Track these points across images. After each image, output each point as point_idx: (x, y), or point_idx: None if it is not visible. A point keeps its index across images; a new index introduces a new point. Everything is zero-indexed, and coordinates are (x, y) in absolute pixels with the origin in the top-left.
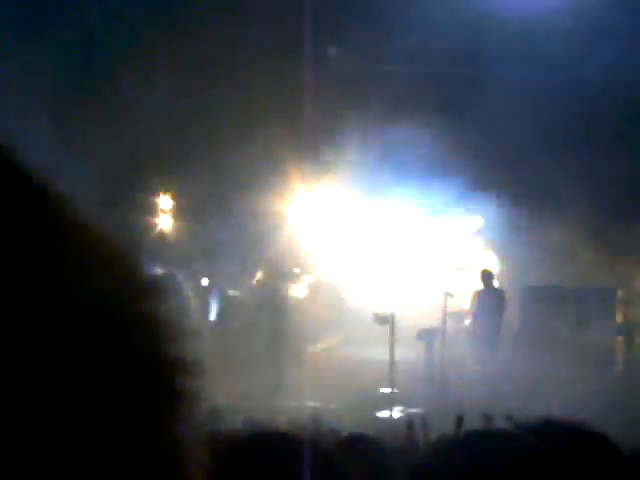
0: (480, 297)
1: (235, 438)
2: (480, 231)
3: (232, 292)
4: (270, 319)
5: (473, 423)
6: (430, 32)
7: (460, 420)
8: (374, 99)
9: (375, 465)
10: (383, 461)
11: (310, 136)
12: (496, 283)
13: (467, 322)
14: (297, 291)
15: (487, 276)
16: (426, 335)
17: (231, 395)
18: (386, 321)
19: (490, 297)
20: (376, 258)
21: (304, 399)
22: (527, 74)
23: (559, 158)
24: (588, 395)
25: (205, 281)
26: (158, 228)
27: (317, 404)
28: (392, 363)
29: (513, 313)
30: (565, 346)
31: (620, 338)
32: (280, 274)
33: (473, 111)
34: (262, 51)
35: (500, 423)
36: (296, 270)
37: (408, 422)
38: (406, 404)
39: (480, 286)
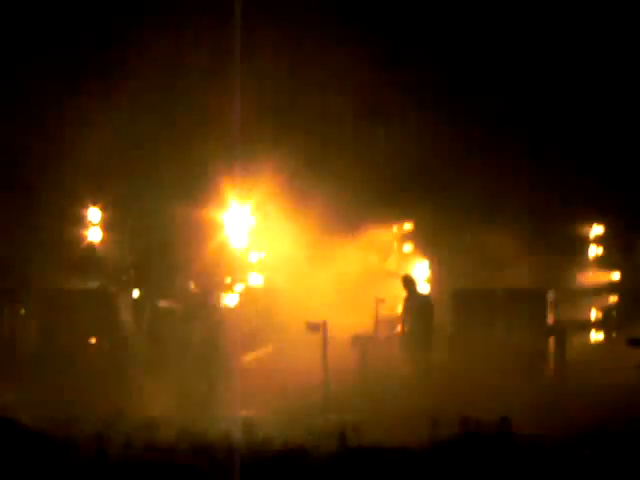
0: (407, 303)
1: (171, 452)
2: (410, 236)
3: (163, 303)
4: (201, 329)
5: (410, 427)
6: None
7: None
8: (300, 108)
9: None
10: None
11: (242, 145)
12: (424, 287)
13: (398, 328)
14: (229, 300)
15: (408, 282)
16: (360, 342)
17: (165, 407)
18: (318, 329)
19: (415, 303)
20: (307, 266)
21: (238, 409)
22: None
23: (488, 160)
24: (518, 394)
25: (136, 293)
26: (87, 240)
27: (251, 413)
28: (325, 370)
29: (446, 316)
30: (497, 348)
31: (551, 339)
32: (212, 284)
33: (398, 114)
34: (195, 61)
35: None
36: (227, 279)
37: (340, 430)
38: (340, 411)
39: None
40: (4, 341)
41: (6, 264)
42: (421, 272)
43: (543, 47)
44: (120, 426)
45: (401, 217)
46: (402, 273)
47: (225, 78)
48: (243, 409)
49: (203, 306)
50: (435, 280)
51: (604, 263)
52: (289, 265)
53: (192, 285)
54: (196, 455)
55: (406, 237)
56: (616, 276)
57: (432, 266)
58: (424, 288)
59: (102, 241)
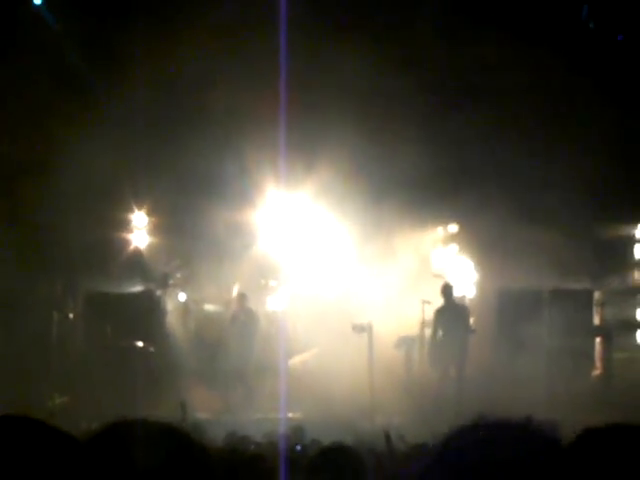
0: (441, 315)
1: (218, 454)
2: (455, 237)
3: (209, 307)
4: (247, 333)
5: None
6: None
7: (388, 437)
8: (350, 109)
9: (355, 475)
10: (362, 471)
11: (285, 146)
12: (469, 289)
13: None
14: (274, 304)
15: (447, 290)
16: (404, 343)
17: (211, 409)
18: (364, 330)
19: (454, 312)
20: (352, 268)
21: (285, 411)
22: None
23: (537, 158)
24: (566, 396)
25: (182, 296)
26: (133, 245)
27: (298, 415)
28: (371, 372)
29: (491, 316)
30: (543, 349)
31: (598, 339)
32: (256, 287)
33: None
34: (233, 61)
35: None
36: (272, 282)
37: (385, 432)
38: (386, 413)
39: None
40: (54, 346)
41: (53, 269)
42: (467, 273)
43: None
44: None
45: (446, 218)
46: (445, 277)
47: (267, 72)
48: (291, 411)
49: (249, 309)
50: (481, 281)
51: None
52: (334, 266)
53: (238, 288)
54: (245, 458)
55: (452, 238)
56: None
57: (478, 267)
58: (468, 290)
59: (148, 245)
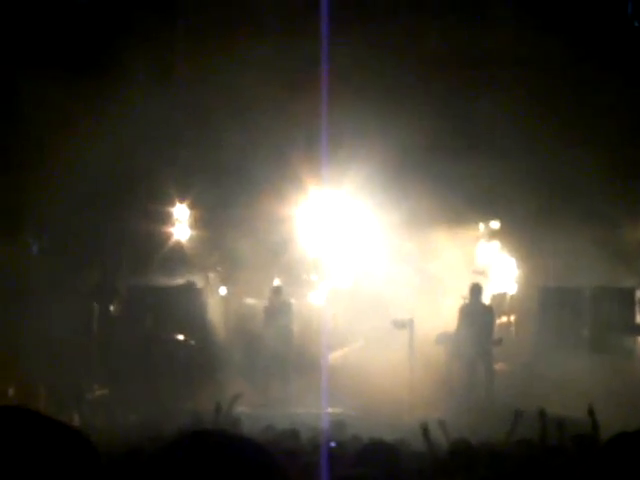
0: (467, 311)
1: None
2: (497, 233)
3: (250, 300)
4: (283, 326)
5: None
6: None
7: (426, 432)
8: (387, 104)
9: (393, 471)
10: (401, 467)
11: (323, 140)
12: (512, 286)
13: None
14: (315, 298)
15: (475, 290)
16: (445, 339)
17: (251, 403)
18: (405, 326)
19: (478, 312)
20: (394, 263)
21: (325, 406)
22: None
23: (578, 155)
24: (603, 395)
25: (223, 290)
26: (174, 238)
27: (339, 410)
28: (411, 368)
29: (532, 315)
30: (584, 347)
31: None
32: (297, 281)
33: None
34: (271, 54)
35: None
36: (313, 277)
37: (423, 428)
38: (426, 409)
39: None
40: (95, 338)
41: (97, 261)
42: (509, 270)
43: None
44: (206, 423)
45: (488, 215)
46: (486, 274)
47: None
48: (331, 406)
49: (289, 304)
50: (523, 278)
51: None
52: (375, 261)
53: (279, 282)
54: (285, 452)
55: (493, 235)
56: None
57: (520, 264)
58: (510, 287)
59: (190, 239)
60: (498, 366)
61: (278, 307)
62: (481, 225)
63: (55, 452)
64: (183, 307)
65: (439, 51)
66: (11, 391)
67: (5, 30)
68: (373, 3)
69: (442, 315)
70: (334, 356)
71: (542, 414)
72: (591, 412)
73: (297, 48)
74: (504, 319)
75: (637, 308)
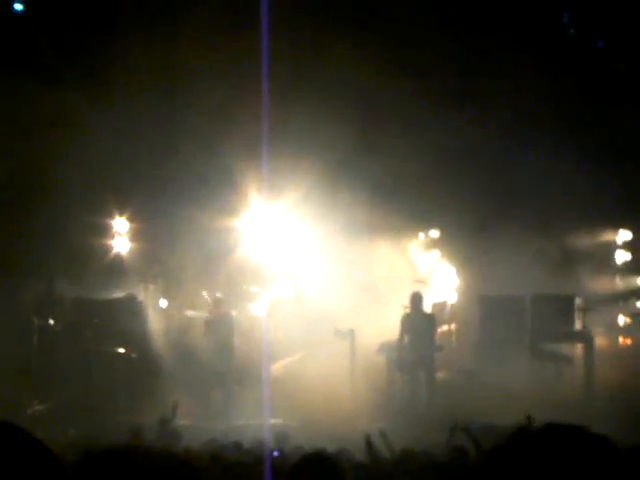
0: (409, 320)
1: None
2: (437, 243)
3: (190, 312)
4: (224, 337)
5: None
6: None
7: (369, 443)
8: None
9: None
10: (341, 477)
11: (264, 150)
12: (453, 295)
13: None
14: (255, 309)
15: (416, 299)
16: (386, 349)
17: (191, 416)
18: (346, 336)
19: (420, 320)
20: (335, 273)
21: (267, 417)
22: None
23: (518, 164)
24: (544, 400)
25: (163, 302)
26: (114, 250)
27: (280, 421)
28: (353, 378)
29: (473, 322)
30: (523, 354)
31: (580, 346)
32: (238, 293)
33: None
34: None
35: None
36: (254, 288)
37: (366, 438)
38: (368, 419)
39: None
40: (35, 352)
41: (33, 276)
42: (449, 279)
43: None
44: (145, 436)
45: (428, 224)
46: (426, 283)
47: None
48: (273, 417)
49: (228, 315)
50: (463, 286)
51: (633, 269)
52: (316, 271)
53: (218, 294)
54: (227, 464)
55: (433, 244)
56: None
57: (460, 273)
58: (450, 295)
59: (129, 251)
60: (440, 374)
61: (219, 319)
62: (421, 234)
63: (25, 469)
64: (123, 320)
65: (371, 59)
66: None
67: None
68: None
69: (383, 324)
70: (275, 367)
71: (463, 429)
72: (529, 419)
73: (239, 53)
74: (445, 328)
75: (575, 315)
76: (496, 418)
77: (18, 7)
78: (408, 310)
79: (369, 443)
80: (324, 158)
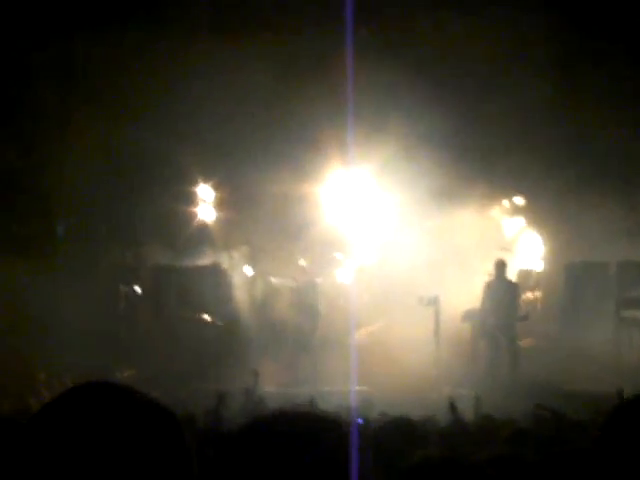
0: (492, 287)
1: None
2: (521, 210)
3: (275, 280)
4: (314, 306)
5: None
6: None
7: (453, 407)
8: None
9: (417, 447)
10: (424, 444)
11: (348, 117)
12: (539, 263)
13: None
14: (340, 276)
15: (500, 267)
16: (471, 316)
17: (278, 383)
18: (431, 303)
19: (502, 288)
20: (418, 240)
21: (352, 384)
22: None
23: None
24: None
25: (248, 269)
26: (199, 218)
27: (365, 388)
28: (438, 345)
29: (558, 290)
30: (609, 321)
31: None
32: (322, 260)
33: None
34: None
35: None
36: (338, 255)
37: (451, 404)
38: (452, 386)
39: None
40: (121, 318)
41: (122, 240)
42: (534, 246)
43: None
44: (230, 401)
45: (512, 191)
46: (511, 251)
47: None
48: (358, 385)
49: (313, 283)
50: (548, 254)
51: None
52: (401, 239)
53: (304, 262)
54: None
55: (518, 211)
56: None
57: (545, 240)
58: (536, 264)
59: (215, 219)
60: (524, 342)
61: (304, 286)
62: (505, 201)
63: (143, 430)
64: (208, 287)
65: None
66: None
67: None
68: None
69: (468, 292)
70: (360, 334)
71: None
72: (620, 394)
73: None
74: (530, 295)
75: None
76: (581, 385)
77: None
78: (492, 277)
79: (453, 408)
80: (407, 125)
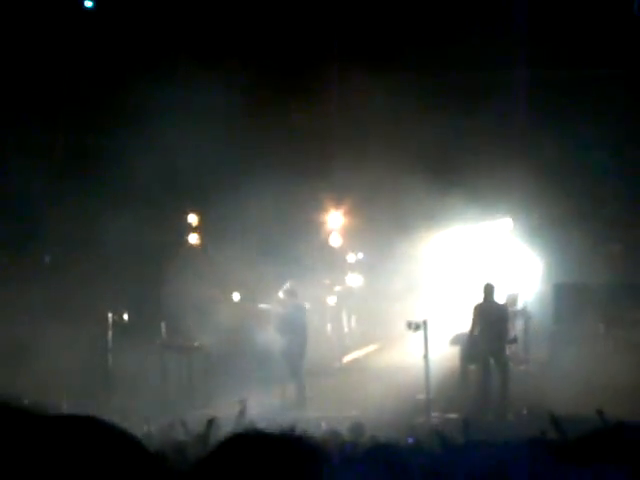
0: (481, 310)
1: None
2: (511, 233)
3: (263, 305)
4: (302, 330)
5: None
6: None
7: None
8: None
9: (403, 472)
10: (410, 469)
11: (340, 149)
12: (527, 285)
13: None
14: (329, 300)
15: (488, 290)
16: (460, 340)
17: (264, 407)
18: (419, 328)
19: (492, 310)
20: (406, 267)
21: (342, 409)
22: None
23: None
24: (626, 392)
25: (236, 296)
26: (188, 245)
27: (355, 413)
28: (427, 369)
29: (548, 310)
30: (598, 342)
31: None
32: (310, 284)
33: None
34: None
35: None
36: (326, 281)
37: (437, 429)
38: (442, 409)
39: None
40: (109, 348)
41: (105, 274)
42: (524, 270)
43: None
44: (222, 428)
45: (500, 213)
46: (484, 282)
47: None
48: (346, 410)
49: (301, 308)
50: (541, 275)
51: None
52: (388, 264)
53: (290, 287)
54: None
55: (508, 232)
56: None
57: (537, 261)
58: (524, 286)
59: (201, 245)
60: (513, 364)
61: (292, 310)
62: (496, 225)
63: (120, 464)
64: (197, 314)
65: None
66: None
67: None
68: None
69: (456, 316)
70: (348, 359)
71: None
72: (600, 412)
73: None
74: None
75: None
76: (570, 408)
77: (88, 4)
78: (481, 300)
79: (441, 434)
80: (390, 155)
